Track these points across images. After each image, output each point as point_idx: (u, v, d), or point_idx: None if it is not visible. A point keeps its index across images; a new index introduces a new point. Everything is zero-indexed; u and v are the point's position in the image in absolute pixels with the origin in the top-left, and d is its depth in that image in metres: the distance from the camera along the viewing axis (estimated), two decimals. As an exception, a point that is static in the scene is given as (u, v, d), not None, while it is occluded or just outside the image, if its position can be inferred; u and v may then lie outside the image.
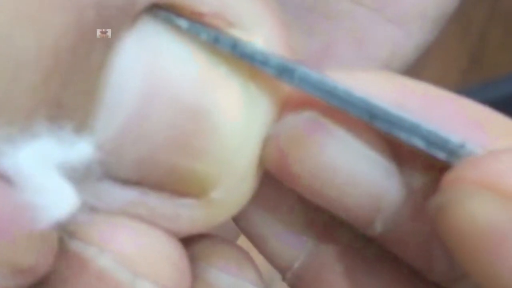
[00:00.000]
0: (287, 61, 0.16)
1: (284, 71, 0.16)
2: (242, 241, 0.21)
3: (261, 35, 0.17)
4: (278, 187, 0.18)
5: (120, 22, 0.16)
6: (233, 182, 0.17)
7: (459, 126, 0.16)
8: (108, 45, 0.16)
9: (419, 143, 0.16)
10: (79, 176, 0.16)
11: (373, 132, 0.17)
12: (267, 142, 0.17)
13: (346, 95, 0.16)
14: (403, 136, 0.16)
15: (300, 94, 0.17)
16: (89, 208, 0.16)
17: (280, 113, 0.17)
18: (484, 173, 0.14)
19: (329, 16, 0.21)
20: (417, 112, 0.16)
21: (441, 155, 0.16)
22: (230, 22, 0.16)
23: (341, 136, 0.17)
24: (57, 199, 0.15)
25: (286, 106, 0.17)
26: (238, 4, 0.17)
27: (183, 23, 0.16)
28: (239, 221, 0.20)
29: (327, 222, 0.19)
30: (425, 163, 0.17)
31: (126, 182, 0.17)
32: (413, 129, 0.16)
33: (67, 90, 0.15)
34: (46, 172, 0.15)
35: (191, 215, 0.17)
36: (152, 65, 0.16)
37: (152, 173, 0.17)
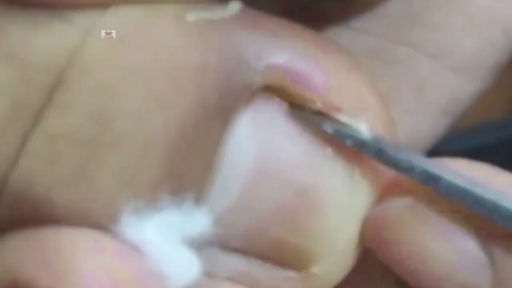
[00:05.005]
0: (431, 167, 0.17)
1: (429, 179, 0.17)
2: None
3: (366, 119, 0.18)
4: (374, 268, 0.19)
5: (238, 102, 0.17)
6: (333, 259, 0.18)
7: None
8: (226, 123, 0.17)
9: None
10: (195, 244, 0.17)
11: (472, 223, 0.17)
12: (367, 222, 0.18)
13: (492, 205, 0.16)
14: None
15: (401, 179, 0.18)
16: (203, 274, 0.18)
17: (380, 194, 0.18)
18: None
19: (392, 63, 0.22)
20: None
21: None
22: (335, 107, 0.18)
23: (439, 225, 0.17)
24: (182, 268, 0.17)
25: (386, 188, 0.18)
26: (343, 89, 0.18)
27: (328, 128, 0.17)
28: None
29: None
30: None
31: (234, 250, 0.18)
32: None
33: (188, 164, 0.17)
34: (172, 243, 0.17)
35: (290, 287, 0.18)
36: (265, 142, 0.18)
37: (258, 244, 0.18)
